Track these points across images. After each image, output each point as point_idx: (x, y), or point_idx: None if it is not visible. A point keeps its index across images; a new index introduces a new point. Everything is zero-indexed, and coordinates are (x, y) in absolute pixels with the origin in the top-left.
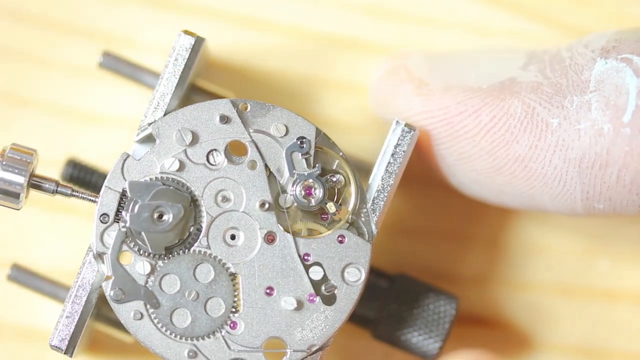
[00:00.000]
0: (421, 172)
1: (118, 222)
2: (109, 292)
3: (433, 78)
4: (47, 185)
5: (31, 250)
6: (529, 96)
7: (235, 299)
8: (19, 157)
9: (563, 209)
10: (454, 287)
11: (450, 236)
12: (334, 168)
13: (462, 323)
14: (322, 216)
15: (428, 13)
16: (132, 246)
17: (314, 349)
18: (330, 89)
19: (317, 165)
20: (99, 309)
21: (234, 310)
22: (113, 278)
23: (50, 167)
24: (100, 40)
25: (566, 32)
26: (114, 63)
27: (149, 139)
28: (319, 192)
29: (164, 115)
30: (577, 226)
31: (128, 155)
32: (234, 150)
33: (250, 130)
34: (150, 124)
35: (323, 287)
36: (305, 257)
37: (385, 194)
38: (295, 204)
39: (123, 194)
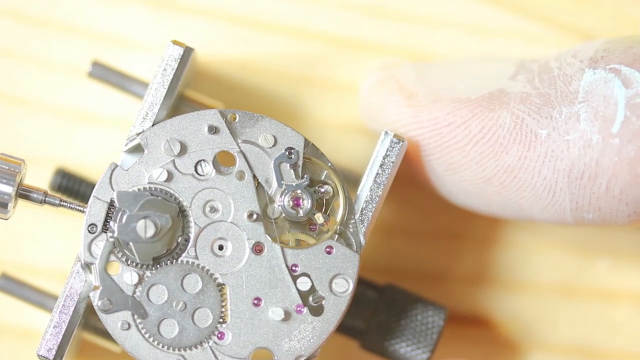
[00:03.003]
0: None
1: (106, 232)
2: (96, 302)
3: (422, 88)
4: (35, 195)
5: (27, 250)
6: (517, 107)
7: (223, 310)
8: (7, 167)
9: (552, 219)
10: (452, 287)
11: (447, 235)
12: (322, 179)
13: (459, 324)
14: (310, 227)
15: (427, 13)
16: (120, 256)
17: (302, 359)
18: (327, 90)
19: (305, 176)
20: (87, 319)
21: (221, 320)
22: (101, 288)
23: (46, 167)
24: (99, 40)
25: (565, 32)
26: (102, 73)
27: (137, 149)
28: (307, 203)
29: (153, 125)
30: (576, 226)
31: (116, 166)
32: (223, 161)
33: (239, 141)
34: (139, 134)
35: (311, 298)
36: (293, 268)
37: (374, 205)
38: (284, 215)
39: (111, 204)
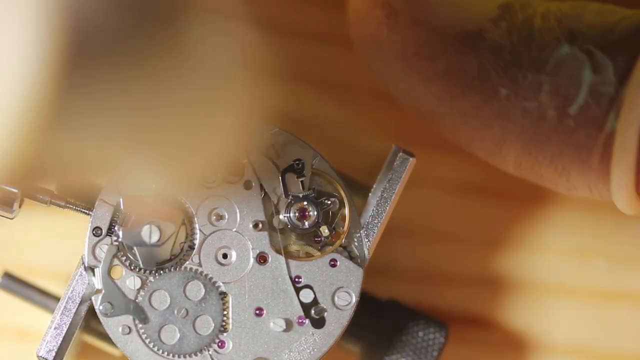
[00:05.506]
0: (419, 172)
1: (111, 236)
2: (98, 306)
3: (406, 7)
4: (41, 196)
5: (26, 251)
6: (487, 57)
7: (225, 318)
8: None
9: (495, 164)
10: (452, 288)
11: (448, 236)
12: (329, 191)
13: (460, 324)
14: (315, 239)
15: None
16: (123, 260)
17: None
18: (326, 88)
19: (312, 188)
20: (88, 321)
21: (222, 329)
22: (103, 292)
23: None
24: None
25: None
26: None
27: None
28: (313, 215)
29: None
30: (576, 226)
31: None
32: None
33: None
34: None
35: (313, 310)
36: (297, 279)
37: (380, 220)
38: (289, 226)
39: (117, 208)
